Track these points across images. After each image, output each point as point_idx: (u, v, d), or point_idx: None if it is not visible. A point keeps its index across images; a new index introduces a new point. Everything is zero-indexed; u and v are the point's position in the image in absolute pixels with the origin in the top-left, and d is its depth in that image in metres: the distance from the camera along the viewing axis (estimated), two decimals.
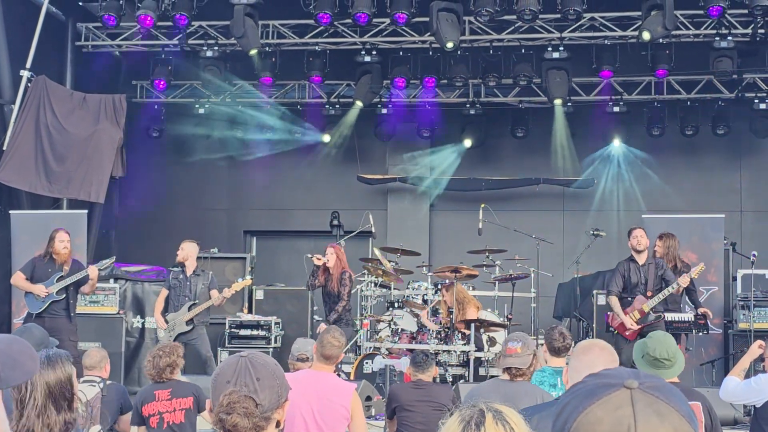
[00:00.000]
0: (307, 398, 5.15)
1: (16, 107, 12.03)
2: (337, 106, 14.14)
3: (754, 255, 10.56)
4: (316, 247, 12.65)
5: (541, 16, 11.61)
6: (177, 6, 11.97)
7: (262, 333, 11.49)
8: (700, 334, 10.02)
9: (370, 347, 10.37)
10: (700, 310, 9.89)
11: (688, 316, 9.90)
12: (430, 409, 6.29)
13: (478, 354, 9.97)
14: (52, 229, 9.62)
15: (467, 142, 14.23)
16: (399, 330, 10.51)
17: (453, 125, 14.26)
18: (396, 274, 10.84)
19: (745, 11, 11.48)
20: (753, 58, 13.01)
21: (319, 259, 9.99)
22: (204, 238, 11.60)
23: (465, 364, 9.95)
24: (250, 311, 12.12)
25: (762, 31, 12.01)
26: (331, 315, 9.87)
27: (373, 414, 8.52)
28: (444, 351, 9.99)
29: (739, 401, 6.44)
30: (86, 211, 12.00)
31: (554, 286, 12.84)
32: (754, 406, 6.11)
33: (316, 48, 13.15)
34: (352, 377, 9.77)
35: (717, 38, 12.19)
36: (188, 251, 9.98)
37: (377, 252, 11.29)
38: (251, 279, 10.97)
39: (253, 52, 12.29)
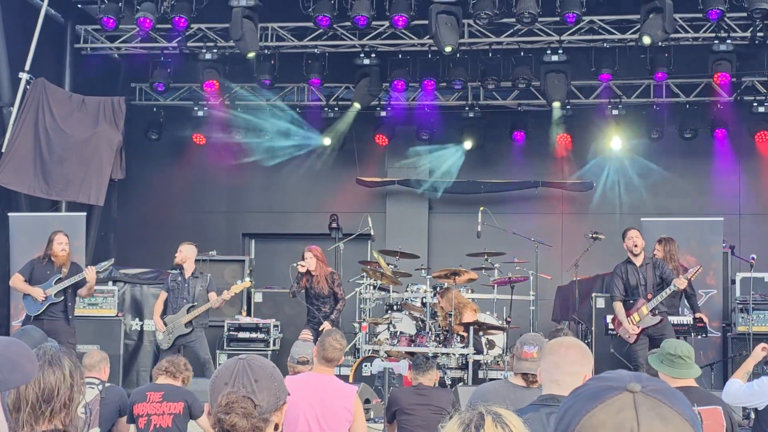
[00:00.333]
0: (309, 401, 5.15)
1: (14, 109, 12.02)
2: (336, 108, 14.14)
3: (753, 258, 10.55)
4: None
5: (540, 19, 11.62)
6: (176, 8, 11.97)
7: (260, 336, 11.49)
8: (699, 337, 10.01)
9: (369, 350, 10.36)
10: (697, 315, 9.89)
11: (686, 319, 9.91)
12: (429, 413, 6.29)
13: (477, 357, 9.96)
14: (51, 232, 9.62)
15: (466, 145, 14.24)
16: (398, 333, 10.50)
17: (452, 128, 14.26)
18: (395, 277, 10.84)
19: (744, 14, 11.48)
20: (752, 61, 13.03)
21: (303, 266, 9.91)
22: (202, 240, 11.58)
23: (464, 367, 9.94)
24: (248, 314, 12.11)
25: (761, 34, 12.02)
26: (334, 313, 9.84)
27: (371, 417, 8.51)
28: (443, 354, 9.99)
29: (741, 404, 6.45)
30: (85, 214, 12.00)
31: (553, 289, 12.85)
32: (756, 408, 6.11)
33: (315, 51, 13.16)
34: (350, 380, 9.76)
35: (716, 41, 12.21)
36: (186, 253, 9.98)
37: (376, 255, 11.28)
38: (251, 281, 10.96)
39: (251, 55, 12.28)
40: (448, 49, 11.44)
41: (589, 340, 10.78)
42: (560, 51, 12.49)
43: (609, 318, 10.07)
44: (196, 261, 10.24)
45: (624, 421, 1.35)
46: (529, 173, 14.36)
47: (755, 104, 13.18)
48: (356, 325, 11.14)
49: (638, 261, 9.40)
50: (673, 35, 11.71)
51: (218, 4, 11.88)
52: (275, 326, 11.62)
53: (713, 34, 12.18)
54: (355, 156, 14.62)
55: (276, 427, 2.43)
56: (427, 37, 12.13)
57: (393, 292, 11.31)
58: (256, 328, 11.51)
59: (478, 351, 10.03)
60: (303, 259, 9.90)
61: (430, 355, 9.54)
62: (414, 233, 14.32)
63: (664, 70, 12.79)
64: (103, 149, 12.54)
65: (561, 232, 14.15)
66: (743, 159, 14.05)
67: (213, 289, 9.90)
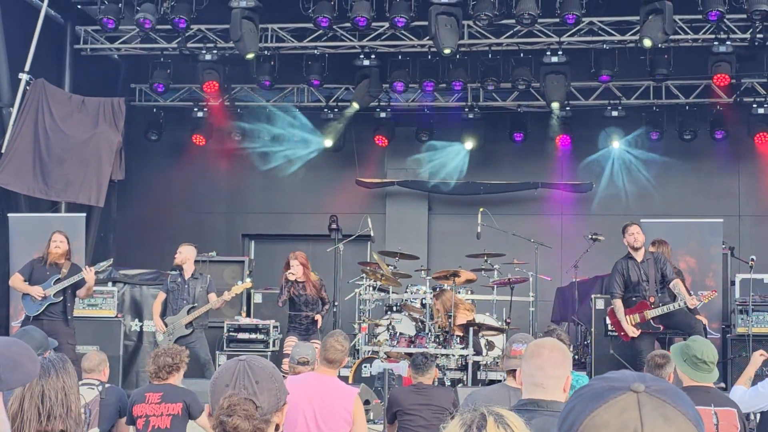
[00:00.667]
0: (309, 401, 5.15)
1: (14, 110, 12.02)
2: (336, 109, 14.13)
3: (752, 259, 10.55)
4: (315, 250, 12.68)
5: (539, 20, 11.62)
6: (176, 9, 11.98)
7: (260, 336, 11.47)
8: None
9: (369, 351, 10.35)
10: (697, 317, 9.87)
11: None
12: (431, 413, 6.28)
13: (477, 358, 9.96)
14: (51, 232, 9.64)
15: (466, 146, 14.24)
16: (397, 334, 10.49)
17: (452, 129, 14.27)
18: (394, 278, 10.83)
19: (744, 16, 11.49)
20: (752, 62, 13.03)
21: (293, 275, 9.93)
22: (202, 241, 11.58)
23: (463, 368, 9.94)
24: (248, 315, 12.10)
25: (761, 35, 12.02)
26: (323, 311, 9.97)
27: (371, 418, 8.50)
28: (442, 355, 9.98)
29: (748, 409, 6.43)
30: (84, 215, 11.99)
31: (552, 290, 12.85)
32: (761, 411, 6.09)
33: (315, 52, 13.16)
34: (350, 381, 9.76)
35: (716, 43, 12.21)
36: (186, 254, 9.98)
37: (376, 256, 11.28)
38: (251, 282, 10.95)
39: (250, 56, 12.26)
40: (446, 51, 11.44)
41: (589, 342, 10.79)
42: (560, 52, 12.49)
43: (608, 318, 10.06)
44: (196, 262, 10.24)
45: (628, 421, 1.35)
46: (528, 174, 14.37)
47: (755, 106, 13.17)
48: (356, 326, 11.13)
49: (639, 256, 9.35)
50: (672, 36, 11.72)
51: (218, 5, 11.88)
52: (275, 327, 11.61)
53: (713, 36, 12.19)
54: (354, 157, 14.62)
55: (277, 427, 2.44)
56: (427, 38, 12.13)
57: (393, 293, 11.31)
58: (255, 329, 11.50)
59: (478, 352, 10.02)
60: (288, 266, 9.91)
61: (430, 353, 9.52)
62: (414, 234, 14.32)
63: (664, 71, 12.79)
64: (102, 150, 12.55)
65: (560, 234, 14.15)
66: (743, 160, 14.05)
67: (213, 290, 9.90)
